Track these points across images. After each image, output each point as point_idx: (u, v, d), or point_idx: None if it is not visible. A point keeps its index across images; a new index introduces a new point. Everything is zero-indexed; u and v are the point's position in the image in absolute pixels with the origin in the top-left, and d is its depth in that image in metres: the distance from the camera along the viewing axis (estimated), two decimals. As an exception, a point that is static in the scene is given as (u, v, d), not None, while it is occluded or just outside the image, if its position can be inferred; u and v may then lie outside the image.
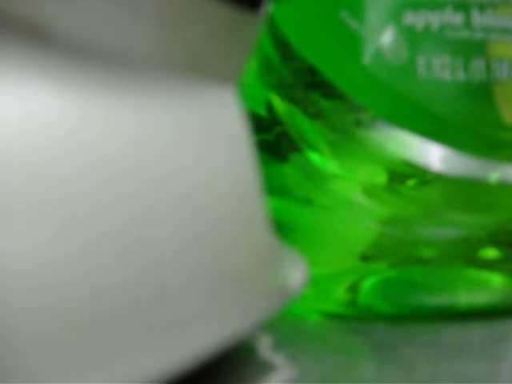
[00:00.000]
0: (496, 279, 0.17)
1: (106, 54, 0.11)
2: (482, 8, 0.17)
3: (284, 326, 0.17)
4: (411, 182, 0.17)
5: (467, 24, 0.17)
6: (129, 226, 0.11)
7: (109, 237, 0.10)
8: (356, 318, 0.17)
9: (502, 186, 0.17)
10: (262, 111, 0.17)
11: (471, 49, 0.17)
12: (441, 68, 0.17)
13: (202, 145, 0.12)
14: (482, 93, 0.17)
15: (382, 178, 0.17)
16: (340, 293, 0.17)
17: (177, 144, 0.12)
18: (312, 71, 0.17)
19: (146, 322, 0.11)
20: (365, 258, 0.17)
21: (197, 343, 0.11)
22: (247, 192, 0.12)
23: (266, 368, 0.14)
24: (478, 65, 0.17)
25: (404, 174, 0.17)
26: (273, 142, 0.17)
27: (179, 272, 0.11)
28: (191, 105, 0.12)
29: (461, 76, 0.17)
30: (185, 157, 0.12)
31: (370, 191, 0.17)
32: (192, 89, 0.12)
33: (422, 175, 0.17)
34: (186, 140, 0.12)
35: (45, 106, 0.10)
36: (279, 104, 0.17)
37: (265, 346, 0.15)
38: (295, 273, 0.14)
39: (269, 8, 0.17)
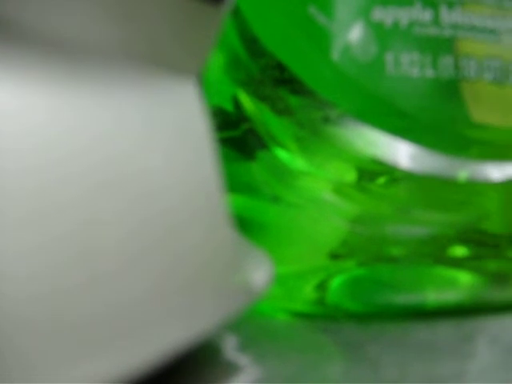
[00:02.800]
0: (464, 277, 0.17)
1: (61, 46, 0.11)
2: (450, 5, 0.17)
3: (250, 326, 0.16)
4: (381, 180, 0.17)
5: (436, 21, 0.17)
6: (79, 231, 0.10)
7: (63, 238, 0.10)
8: (324, 316, 0.17)
9: (471, 184, 0.17)
10: (229, 107, 0.17)
11: (439, 46, 0.17)
12: (409, 65, 0.17)
13: (160, 139, 0.12)
14: (451, 90, 0.17)
15: (351, 176, 0.17)
16: (308, 291, 0.17)
17: (133, 141, 0.11)
18: (280, 67, 0.17)
19: (105, 324, 0.10)
20: (334, 256, 0.17)
21: (159, 345, 0.11)
22: (208, 190, 0.12)
23: (231, 369, 0.14)
24: (446, 62, 0.17)
25: (373, 171, 0.17)
26: (240, 138, 0.17)
27: (138, 275, 0.11)
28: (149, 97, 0.12)
29: (429, 73, 0.17)
30: (141, 154, 0.12)
31: (339, 189, 0.17)
32: (151, 80, 0.12)
33: (391, 173, 0.17)
34: (143, 135, 0.12)
35: (2, 104, 0.10)
36: (246, 100, 0.17)
37: (230, 347, 0.15)
38: (260, 272, 0.13)
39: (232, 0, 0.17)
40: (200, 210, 0.12)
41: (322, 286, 0.17)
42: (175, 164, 0.12)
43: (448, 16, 0.17)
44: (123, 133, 0.11)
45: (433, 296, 0.17)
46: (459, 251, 0.17)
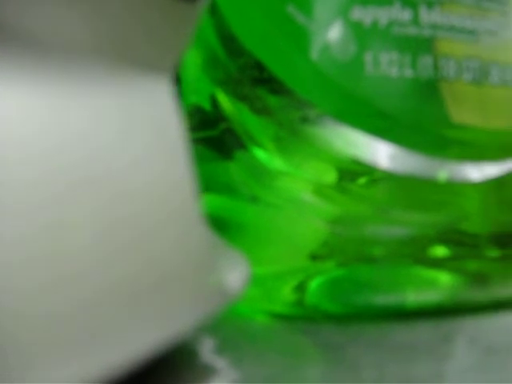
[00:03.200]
0: (444, 277, 0.17)
1: (35, 45, 0.11)
2: (429, 5, 0.17)
3: (228, 328, 0.16)
4: (361, 181, 0.17)
5: (415, 21, 0.17)
6: (50, 231, 0.10)
7: (34, 238, 0.10)
8: (303, 318, 0.17)
9: (451, 185, 0.17)
10: (207, 107, 0.17)
11: (419, 45, 0.17)
12: (388, 64, 0.17)
13: (134, 139, 0.12)
14: (430, 90, 0.17)
15: (330, 176, 0.17)
16: (287, 293, 0.17)
17: (108, 140, 0.11)
18: (259, 66, 0.17)
19: (80, 324, 0.10)
20: (313, 257, 0.17)
21: (133, 346, 0.11)
22: (182, 191, 0.12)
23: (207, 371, 0.13)
24: (425, 62, 0.17)
25: (353, 172, 0.17)
26: (218, 138, 0.17)
27: (112, 275, 0.11)
28: (123, 96, 0.12)
29: (408, 73, 0.17)
30: (115, 154, 0.11)
31: (318, 189, 0.17)
32: (125, 79, 0.12)
33: (371, 173, 0.17)
34: (117, 134, 0.11)
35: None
36: (225, 99, 0.17)
37: (207, 349, 0.15)
38: (235, 273, 0.13)
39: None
40: (174, 210, 0.12)
41: (300, 287, 0.17)
42: (149, 164, 0.12)
43: (427, 16, 0.17)
44: (98, 132, 0.11)
45: (412, 296, 0.17)
46: (439, 251, 0.17)
